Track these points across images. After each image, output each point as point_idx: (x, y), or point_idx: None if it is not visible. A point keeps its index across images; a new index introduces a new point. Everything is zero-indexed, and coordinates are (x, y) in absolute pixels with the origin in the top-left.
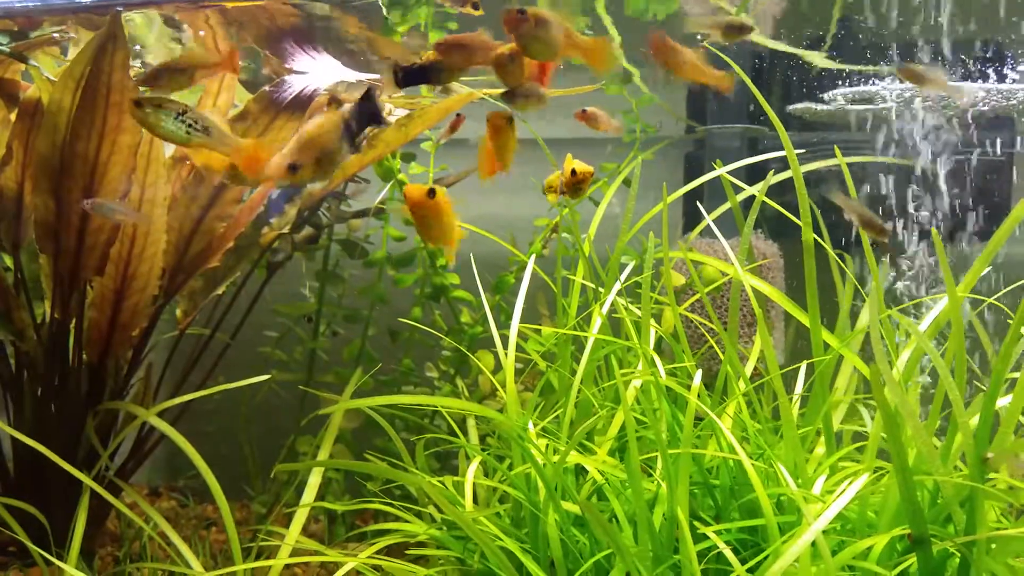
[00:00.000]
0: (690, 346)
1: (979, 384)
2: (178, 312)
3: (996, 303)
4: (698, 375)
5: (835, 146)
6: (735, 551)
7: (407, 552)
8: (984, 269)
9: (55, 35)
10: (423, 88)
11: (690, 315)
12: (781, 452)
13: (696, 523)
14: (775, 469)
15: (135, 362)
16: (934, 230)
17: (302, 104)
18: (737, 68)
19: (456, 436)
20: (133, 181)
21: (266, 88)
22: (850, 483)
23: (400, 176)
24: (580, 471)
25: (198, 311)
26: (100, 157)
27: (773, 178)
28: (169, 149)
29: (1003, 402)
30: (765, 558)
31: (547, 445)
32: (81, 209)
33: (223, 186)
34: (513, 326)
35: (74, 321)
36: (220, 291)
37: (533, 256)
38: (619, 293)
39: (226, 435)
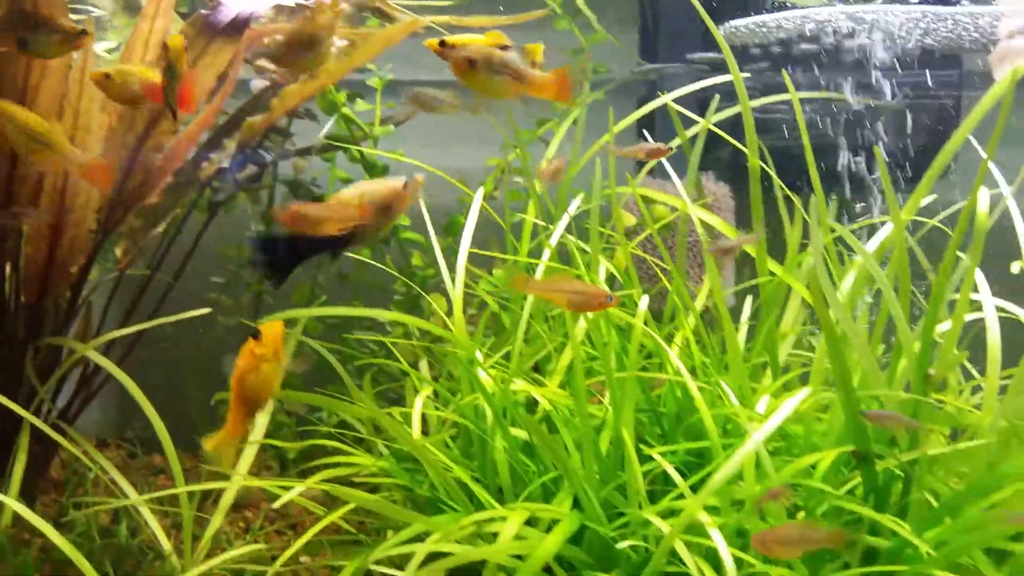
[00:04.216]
0: (642, 285)
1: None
2: (117, 251)
3: (939, 225)
4: (644, 300)
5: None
6: (681, 474)
7: (354, 482)
8: (925, 195)
9: None
10: (369, 17)
11: (641, 253)
12: (728, 380)
13: (643, 447)
14: (721, 394)
15: (75, 301)
16: (876, 148)
17: (238, 27)
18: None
19: (407, 376)
20: (65, 107)
21: (201, 11)
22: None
23: (345, 111)
24: (532, 405)
25: (138, 250)
26: (29, 82)
27: (720, 114)
28: None
29: (943, 327)
30: (709, 475)
31: (496, 375)
32: None
33: (158, 115)
34: (460, 257)
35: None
36: (160, 230)
37: (481, 189)
38: (571, 233)
39: (173, 386)
